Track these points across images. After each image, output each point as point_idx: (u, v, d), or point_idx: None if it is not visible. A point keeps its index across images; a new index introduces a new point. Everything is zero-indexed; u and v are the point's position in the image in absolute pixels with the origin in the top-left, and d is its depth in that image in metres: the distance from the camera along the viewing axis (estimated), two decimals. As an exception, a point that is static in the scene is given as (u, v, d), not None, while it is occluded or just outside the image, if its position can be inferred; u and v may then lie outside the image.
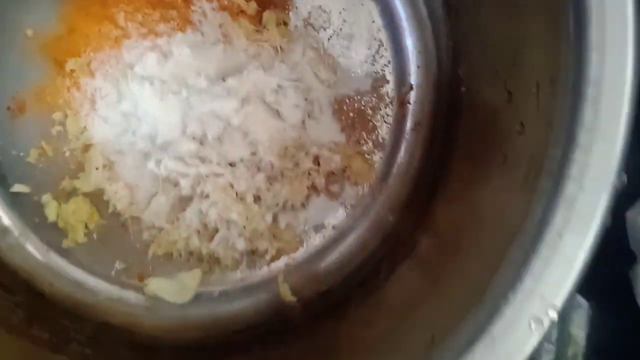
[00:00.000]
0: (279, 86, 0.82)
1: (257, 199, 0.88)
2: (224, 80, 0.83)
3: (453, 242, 0.76)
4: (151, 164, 0.83)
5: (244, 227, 0.84)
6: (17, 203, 0.90)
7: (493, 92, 0.71)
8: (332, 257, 0.92)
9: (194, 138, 0.80)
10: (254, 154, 0.85)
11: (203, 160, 0.82)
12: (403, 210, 0.91)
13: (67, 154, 0.90)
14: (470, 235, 0.72)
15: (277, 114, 0.84)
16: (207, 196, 0.83)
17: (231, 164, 0.85)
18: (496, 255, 0.58)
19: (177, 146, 0.80)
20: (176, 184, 0.85)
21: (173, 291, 0.92)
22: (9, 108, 0.89)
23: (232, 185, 0.84)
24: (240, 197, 0.86)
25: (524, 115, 0.63)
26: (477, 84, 0.80)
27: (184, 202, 0.88)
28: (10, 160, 0.89)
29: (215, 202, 0.83)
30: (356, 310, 0.86)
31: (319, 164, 0.91)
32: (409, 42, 0.93)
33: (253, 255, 0.92)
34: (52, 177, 0.90)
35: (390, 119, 0.94)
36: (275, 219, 0.90)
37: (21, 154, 0.89)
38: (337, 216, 0.94)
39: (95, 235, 0.91)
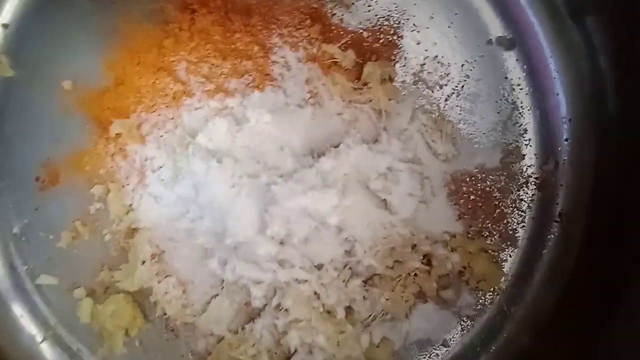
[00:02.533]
0: (389, 169, 0.59)
1: (349, 311, 0.65)
2: (314, 157, 0.62)
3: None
4: (213, 264, 0.62)
5: (333, 355, 0.61)
6: (43, 298, 0.70)
7: None
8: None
9: (273, 238, 0.58)
10: (348, 253, 0.63)
11: (282, 263, 0.61)
12: (545, 332, 0.67)
13: (107, 237, 0.72)
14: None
15: (384, 204, 0.61)
16: (285, 310, 0.61)
17: (318, 267, 0.63)
18: None
19: (252, 248, 0.59)
20: (245, 290, 0.63)
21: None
22: (37, 179, 0.71)
23: (318, 295, 0.62)
24: (328, 311, 0.63)
25: None
26: None
27: (254, 311, 0.66)
28: (37, 243, 0.72)
29: (297, 319, 0.61)
30: None
31: (430, 265, 0.68)
32: (557, 106, 0.69)
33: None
34: (88, 266, 0.73)
35: (524, 206, 0.70)
36: (370, 334, 0.68)
37: (50, 236, 0.72)
38: (449, 330, 0.71)
39: (137, 343, 0.71)
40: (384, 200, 0.63)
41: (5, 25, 0.72)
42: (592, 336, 0.64)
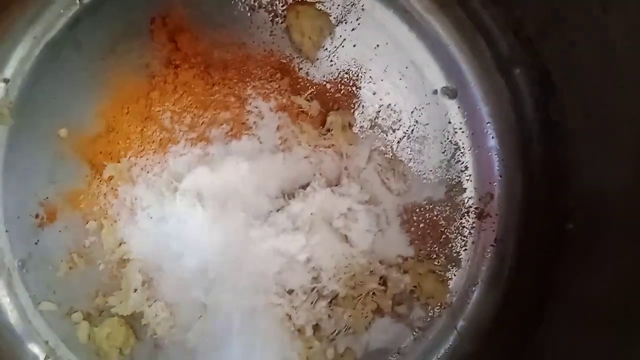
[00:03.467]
0: (349, 209, 0.70)
1: (316, 328, 0.76)
2: (284, 197, 0.72)
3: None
4: (197, 292, 0.72)
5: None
6: (45, 322, 0.79)
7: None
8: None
9: (249, 272, 0.69)
10: (315, 279, 0.74)
11: (257, 291, 0.71)
12: (485, 340, 0.79)
13: (102, 267, 0.80)
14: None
15: (345, 239, 0.72)
16: (260, 332, 0.72)
17: (289, 292, 0.73)
18: None
19: (230, 281, 0.69)
20: (225, 313, 0.73)
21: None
22: (37, 216, 0.79)
23: (289, 317, 0.73)
24: (299, 329, 0.74)
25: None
26: (595, 225, 0.67)
27: (233, 332, 0.76)
28: (38, 273, 0.80)
29: (270, 338, 0.71)
30: None
31: (386, 285, 0.79)
32: (492, 147, 0.81)
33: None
34: (84, 292, 0.81)
35: (466, 232, 0.82)
36: (335, 347, 0.78)
37: (50, 267, 0.80)
38: (404, 340, 0.82)
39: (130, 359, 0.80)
40: (345, 235, 0.74)
41: (6, 80, 0.79)
42: (522, 343, 0.77)
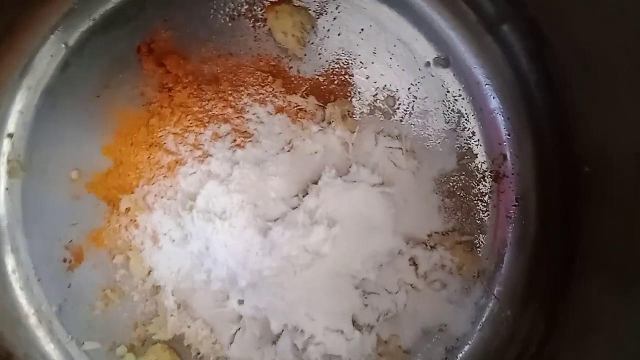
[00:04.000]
0: (365, 194, 0.70)
1: (354, 318, 0.76)
2: (298, 196, 0.72)
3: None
4: (233, 303, 0.73)
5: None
6: (92, 360, 0.81)
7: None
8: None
9: (277, 275, 0.69)
10: (347, 274, 0.74)
11: (288, 292, 0.71)
12: (524, 302, 0.78)
13: (136, 297, 0.81)
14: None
15: (366, 224, 0.72)
16: (301, 331, 0.72)
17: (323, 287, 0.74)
18: None
19: (263, 286, 0.69)
20: (262, 320, 0.74)
21: None
22: (65, 260, 0.80)
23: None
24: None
25: None
26: (611, 167, 0.66)
27: (274, 335, 0.77)
28: (76, 315, 0.82)
29: (313, 335, 0.71)
30: None
31: (415, 264, 0.79)
32: (495, 108, 0.80)
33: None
34: (123, 325, 0.82)
35: (486, 197, 0.81)
36: (378, 335, 0.78)
37: (86, 306, 0.81)
38: (444, 315, 0.82)
39: (179, 382, 0.81)
40: (365, 221, 0.74)
41: (10, 135, 0.81)
42: (556, 302, 0.76)
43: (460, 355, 0.80)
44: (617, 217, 0.66)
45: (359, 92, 0.82)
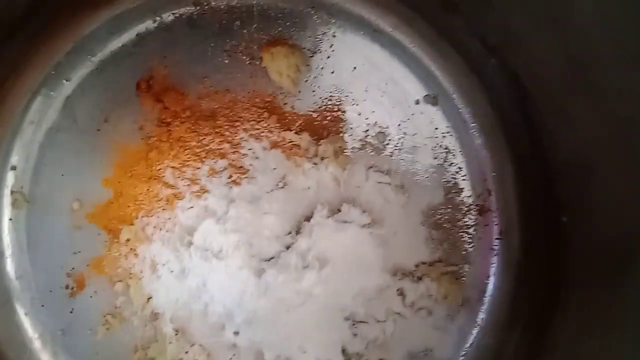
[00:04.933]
0: (355, 238, 0.74)
1: (345, 348, 0.80)
2: (292, 234, 0.76)
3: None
4: (228, 334, 0.76)
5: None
6: (93, 384, 0.85)
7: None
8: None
9: (273, 315, 0.73)
10: (337, 308, 0.78)
11: (282, 328, 0.75)
12: (507, 331, 0.82)
13: (136, 323, 0.85)
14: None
15: (357, 264, 0.76)
16: (294, 360, 0.76)
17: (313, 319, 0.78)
18: None
19: (258, 323, 0.73)
20: (257, 352, 0.78)
21: None
22: (67, 287, 0.84)
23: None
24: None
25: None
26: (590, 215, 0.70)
27: (268, 363, 0.81)
28: (78, 339, 0.85)
29: (305, 365, 0.76)
30: None
31: (403, 295, 0.83)
32: (480, 145, 0.84)
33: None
34: (125, 349, 0.85)
35: (471, 229, 0.85)
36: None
37: (88, 331, 0.84)
38: (430, 341, 0.86)
39: (178, 403, 0.85)
40: (354, 260, 0.78)
41: (14, 167, 0.84)
42: (540, 333, 0.80)
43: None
44: (596, 259, 0.70)
45: (351, 128, 0.85)
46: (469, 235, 0.86)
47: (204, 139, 0.83)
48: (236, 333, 0.77)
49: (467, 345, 0.86)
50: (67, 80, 0.83)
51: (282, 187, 0.80)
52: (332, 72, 0.84)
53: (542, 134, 0.77)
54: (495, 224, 0.85)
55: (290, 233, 0.78)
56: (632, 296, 0.61)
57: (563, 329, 0.76)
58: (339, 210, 0.78)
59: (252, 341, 0.75)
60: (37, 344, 0.84)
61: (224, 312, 0.75)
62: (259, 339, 0.75)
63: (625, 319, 0.61)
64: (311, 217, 0.78)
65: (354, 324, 0.82)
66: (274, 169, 0.81)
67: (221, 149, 0.83)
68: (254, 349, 0.79)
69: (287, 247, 0.76)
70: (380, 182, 0.83)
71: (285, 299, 0.72)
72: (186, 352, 0.83)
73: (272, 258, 0.75)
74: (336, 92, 0.84)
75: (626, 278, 0.62)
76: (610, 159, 0.62)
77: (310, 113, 0.84)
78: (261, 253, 0.75)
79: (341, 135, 0.84)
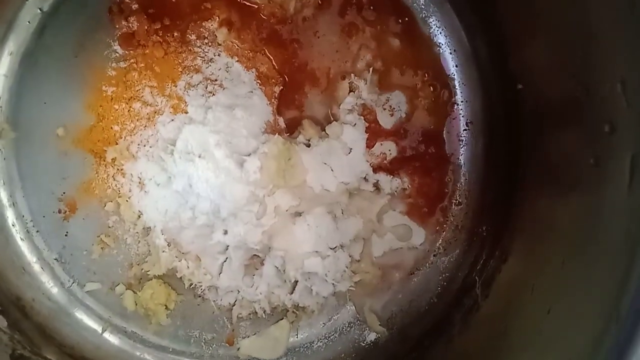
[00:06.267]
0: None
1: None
2: (265, 133, 0.81)
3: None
4: (218, 235, 0.81)
5: (326, 275, 0.81)
6: (94, 300, 0.89)
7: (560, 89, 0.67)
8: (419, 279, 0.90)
9: (257, 201, 0.77)
10: (319, 195, 0.82)
11: (270, 215, 0.80)
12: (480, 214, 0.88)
13: (129, 240, 0.89)
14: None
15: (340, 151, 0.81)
16: (281, 253, 0.81)
17: (298, 213, 0.82)
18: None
19: (243, 214, 0.77)
20: (247, 247, 0.82)
21: (266, 347, 0.91)
22: (60, 211, 0.88)
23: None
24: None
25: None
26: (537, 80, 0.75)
27: (257, 260, 0.86)
28: (76, 260, 0.89)
29: (292, 258, 0.80)
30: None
31: (378, 189, 0.88)
32: (442, 43, 0.88)
33: (335, 296, 0.89)
34: (120, 266, 0.89)
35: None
36: (350, 254, 0.88)
37: (84, 252, 0.89)
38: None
39: (177, 313, 0.89)
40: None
41: (-4, 99, 0.87)
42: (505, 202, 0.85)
43: (428, 262, 0.90)
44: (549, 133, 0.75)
45: (318, 36, 0.88)
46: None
47: (177, 57, 0.87)
48: (225, 232, 0.81)
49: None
50: (41, 10, 0.85)
51: (252, 92, 0.84)
52: (296, -16, 0.88)
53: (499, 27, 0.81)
54: (462, 116, 0.89)
55: (265, 132, 0.82)
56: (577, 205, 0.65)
57: (525, 202, 0.82)
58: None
59: (240, 236, 0.79)
60: (36, 267, 0.89)
61: (211, 209, 0.79)
62: (245, 234, 0.79)
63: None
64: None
65: (336, 220, 0.86)
66: (247, 82, 0.85)
67: (195, 65, 0.86)
68: (244, 249, 0.83)
69: (264, 143, 0.80)
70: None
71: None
72: (180, 261, 0.87)
73: (250, 153, 0.79)
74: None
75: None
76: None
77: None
78: (241, 149, 0.79)
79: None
